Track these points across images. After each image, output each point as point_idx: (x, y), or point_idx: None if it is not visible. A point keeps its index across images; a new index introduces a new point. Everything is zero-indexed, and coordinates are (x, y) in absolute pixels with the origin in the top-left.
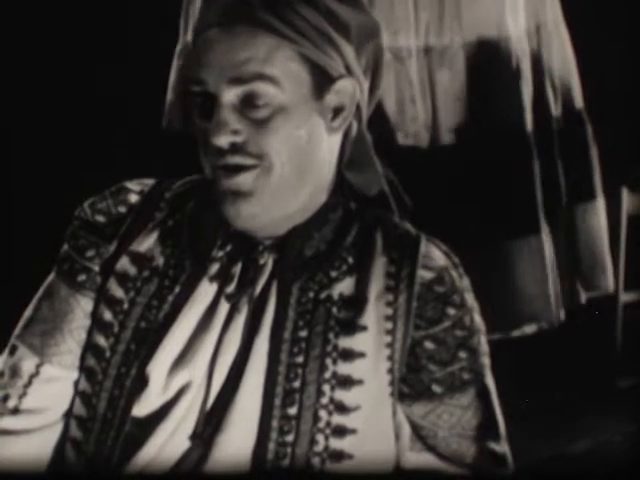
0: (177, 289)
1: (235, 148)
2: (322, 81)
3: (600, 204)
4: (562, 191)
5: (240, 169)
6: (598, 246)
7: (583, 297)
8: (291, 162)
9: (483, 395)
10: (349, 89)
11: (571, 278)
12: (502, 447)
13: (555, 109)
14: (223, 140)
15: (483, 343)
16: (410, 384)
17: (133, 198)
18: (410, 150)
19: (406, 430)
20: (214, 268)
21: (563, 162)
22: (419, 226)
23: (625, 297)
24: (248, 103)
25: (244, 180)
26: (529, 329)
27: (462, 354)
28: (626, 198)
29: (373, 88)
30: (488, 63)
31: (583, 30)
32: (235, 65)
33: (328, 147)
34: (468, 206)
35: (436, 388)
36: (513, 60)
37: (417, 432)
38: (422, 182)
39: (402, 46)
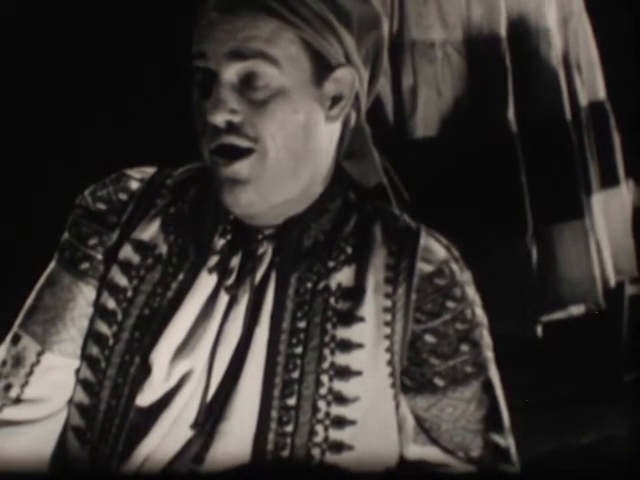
0: (181, 276)
1: (231, 128)
2: (321, 68)
3: (623, 190)
4: (591, 178)
5: (235, 154)
6: (622, 231)
7: (613, 281)
8: (287, 147)
9: (487, 388)
10: (348, 78)
11: (600, 262)
12: (506, 440)
13: (582, 100)
14: (220, 118)
15: (486, 336)
16: (412, 377)
17: (134, 185)
18: (460, 138)
19: (410, 422)
20: (214, 259)
21: (590, 150)
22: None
23: (631, 289)
24: (247, 83)
25: (241, 168)
26: (576, 310)
27: (464, 347)
28: (633, 190)
29: (373, 79)
30: (530, 54)
31: (601, 22)
32: (237, 40)
33: (326, 135)
34: (517, 191)
35: (438, 381)
36: (552, 51)
37: (420, 424)
38: (470, 167)
39: (460, 39)
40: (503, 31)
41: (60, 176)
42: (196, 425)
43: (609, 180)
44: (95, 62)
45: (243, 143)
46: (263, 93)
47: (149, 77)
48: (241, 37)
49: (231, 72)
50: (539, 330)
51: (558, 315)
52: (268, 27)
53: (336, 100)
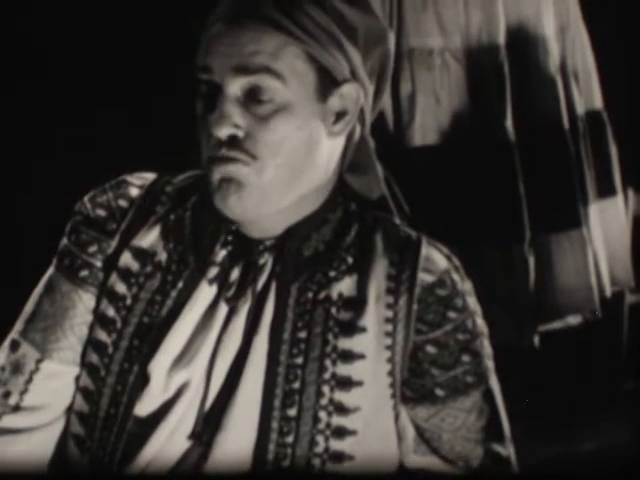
0: (180, 285)
1: (233, 142)
2: (327, 83)
3: (620, 201)
4: (588, 187)
5: (232, 160)
6: (619, 241)
7: (609, 291)
8: (286, 163)
9: (487, 398)
10: (353, 94)
11: (597, 272)
12: (507, 449)
13: (580, 108)
14: (224, 132)
15: (486, 346)
16: (413, 388)
17: (134, 192)
18: (458, 147)
19: (410, 432)
20: (214, 270)
21: (587, 159)
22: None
23: (631, 298)
24: (252, 97)
25: (235, 169)
26: (573, 320)
27: (465, 357)
28: (632, 199)
29: (378, 93)
30: (528, 62)
31: (599, 31)
32: (242, 55)
33: (327, 151)
34: (514, 199)
35: (439, 392)
36: (550, 60)
37: (421, 435)
38: (468, 176)
39: (459, 47)
40: (502, 39)
41: (59, 180)
42: (193, 436)
43: (606, 190)
44: (97, 66)
45: (242, 158)
46: (267, 107)
47: (151, 82)
48: (247, 52)
49: (236, 86)
50: (536, 340)
51: (555, 325)
52: (274, 41)
53: (340, 115)
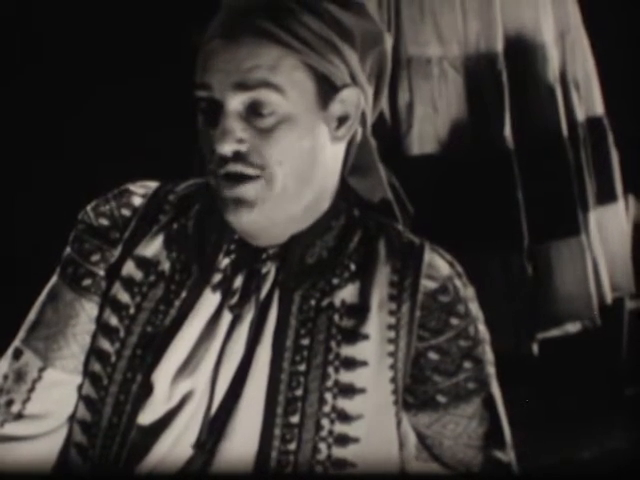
0: (184, 294)
1: (238, 157)
2: (327, 90)
3: (620, 207)
4: (588, 194)
5: (242, 178)
6: (619, 248)
7: (609, 298)
8: (293, 172)
9: (489, 404)
10: (354, 98)
11: (597, 279)
12: (508, 456)
13: (579, 115)
14: (227, 148)
15: (488, 352)
16: (415, 394)
17: (137, 201)
18: (456, 156)
19: (412, 439)
20: (217, 277)
21: (588, 166)
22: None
23: (631, 304)
24: (253, 111)
25: (247, 191)
26: (572, 327)
27: (467, 364)
28: (632, 205)
29: (377, 94)
30: (527, 70)
31: (599, 37)
32: (241, 71)
33: (332, 156)
34: (513, 207)
35: (441, 398)
36: (549, 67)
37: (423, 441)
38: (467, 185)
39: (457, 56)
40: (500, 47)
41: (63, 189)
42: (198, 445)
43: (606, 196)
44: (100, 70)
45: (250, 171)
46: (269, 120)
47: (154, 87)
48: (245, 67)
49: (236, 102)
50: (535, 348)
51: (554, 332)
52: (271, 54)
53: (342, 120)
